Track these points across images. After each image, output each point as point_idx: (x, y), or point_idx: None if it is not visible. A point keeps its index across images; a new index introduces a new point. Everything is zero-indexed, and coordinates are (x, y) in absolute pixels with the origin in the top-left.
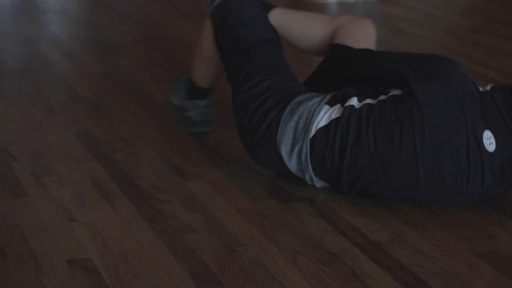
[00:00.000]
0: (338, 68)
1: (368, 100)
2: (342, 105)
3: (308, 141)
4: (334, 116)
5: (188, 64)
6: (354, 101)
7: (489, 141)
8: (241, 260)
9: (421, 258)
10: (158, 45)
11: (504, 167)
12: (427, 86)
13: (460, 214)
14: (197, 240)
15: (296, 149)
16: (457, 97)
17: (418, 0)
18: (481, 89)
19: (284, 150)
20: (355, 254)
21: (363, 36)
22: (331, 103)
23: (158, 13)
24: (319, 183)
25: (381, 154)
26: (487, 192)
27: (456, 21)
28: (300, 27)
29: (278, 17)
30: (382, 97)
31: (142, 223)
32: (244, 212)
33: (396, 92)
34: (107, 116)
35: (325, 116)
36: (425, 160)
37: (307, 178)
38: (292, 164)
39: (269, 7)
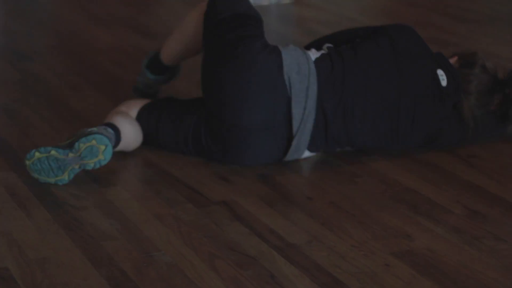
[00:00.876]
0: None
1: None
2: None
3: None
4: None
5: (103, 70)
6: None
7: (441, 77)
8: (158, 265)
9: (338, 259)
10: (72, 51)
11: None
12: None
13: (376, 213)
14: (114, 246)
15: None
16: (420, 41)
17: (333, 2)
18: None
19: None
20: (272, 256)
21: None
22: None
23: (71, 19)
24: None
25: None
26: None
27: (371, 24)
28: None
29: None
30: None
31: (58, 230)
32: (161, 217)
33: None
34: (21, 123)
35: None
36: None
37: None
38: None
39: None
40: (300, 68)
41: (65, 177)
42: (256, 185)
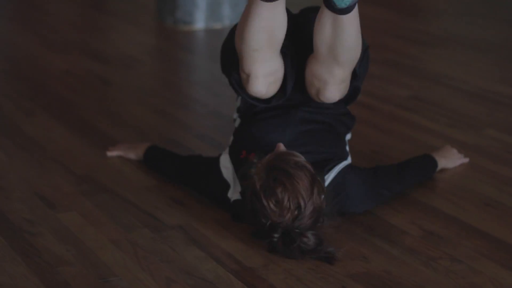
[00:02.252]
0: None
1: None
2: None
3: None
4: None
5: (56, 94)
6: None
7: None
8: None
9: (295, 282)
10: (24, 76)
11: None
12: None
13: (332, 236)
14: (70, 272)
15: None
16: None
17: None
18: None
19: None
20: (230, 280)
21: None
22: None
23: (23, 43)
24: None
25: None
26: None
27: None
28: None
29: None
30: None
31: (14, 257)
32: (117, 242)
33: None
34: None
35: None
36: None
37: None
38: None
39: None
40: None
41: None
42: (212, 209)
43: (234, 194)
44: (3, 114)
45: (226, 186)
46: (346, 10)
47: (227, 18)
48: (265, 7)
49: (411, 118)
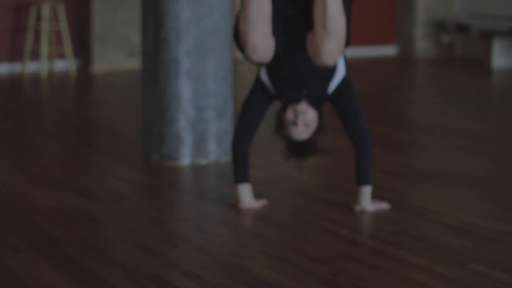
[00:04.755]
0: None
1: None
2: None
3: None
4: None
5: (42, 231)
6: None
7: None
8: None
9: None
10: (11, 212)
11: None
12: None
13: None
14: None
15: None
16: None
17: (271, 161)
18: None
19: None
20: None
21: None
22: None
23: (10, 180)
24: None
25: None
26: None
27: (308, 181)
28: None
29: None
30: None
31: None
32: None
33: None
34: None
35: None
36: None
37: None
38: None
39: None
40: None
41: None
42: None
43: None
44: None
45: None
46: None
47: (213, 154)
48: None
49: (397, 253)
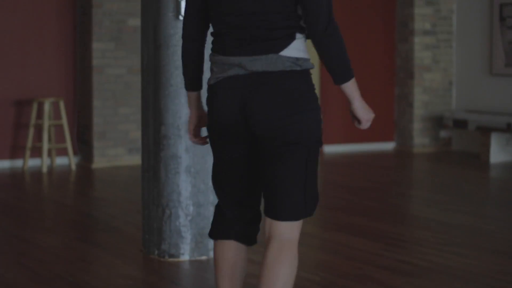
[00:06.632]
0: None
1: None
2: None
3: None
4: None
5: None
6: None
7: None
8: None
9: None
10: None
11: None
12: None
13: None
14: None
15: None
16: None
17: None
18: None
19: None
20: None
21: None
22: None
23: (10, 277)
24: None
25: None
26: None
27: (308, 277)
28: None
29: None
30: None
31: None
32: None
33: None
34: None
35: None
36: None
37: None
38: None
39: None
40: None
41: None
42: None
43: None
44: None
45: None
46: None
47: (213, 250)
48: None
49: None
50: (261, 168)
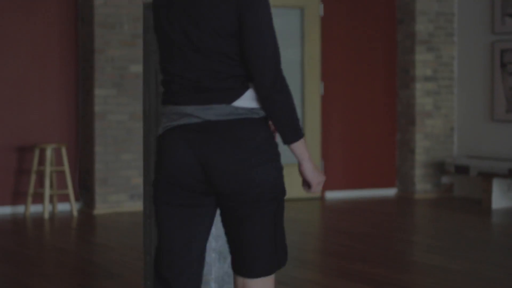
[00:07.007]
0: None
1: None
2: None
3: None
4: None
5: None
6: None
7: None
8: None
9: None
10: None
11: None
12: None
13: None
14: None
15: None
16: None
17: None
18: None
19: None
20: None
21: None
22: None
23: None
24: None
25: None
26: None
27: None
28: None
29: None
30: None
31: None
32: None
33: None
34: None
35: None
36: None
37: None
38: None
39: None
40: None
41: None
42: None
43: None
44: None
45: None
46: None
47: None
48: None
49: None
50: (227, 226)
